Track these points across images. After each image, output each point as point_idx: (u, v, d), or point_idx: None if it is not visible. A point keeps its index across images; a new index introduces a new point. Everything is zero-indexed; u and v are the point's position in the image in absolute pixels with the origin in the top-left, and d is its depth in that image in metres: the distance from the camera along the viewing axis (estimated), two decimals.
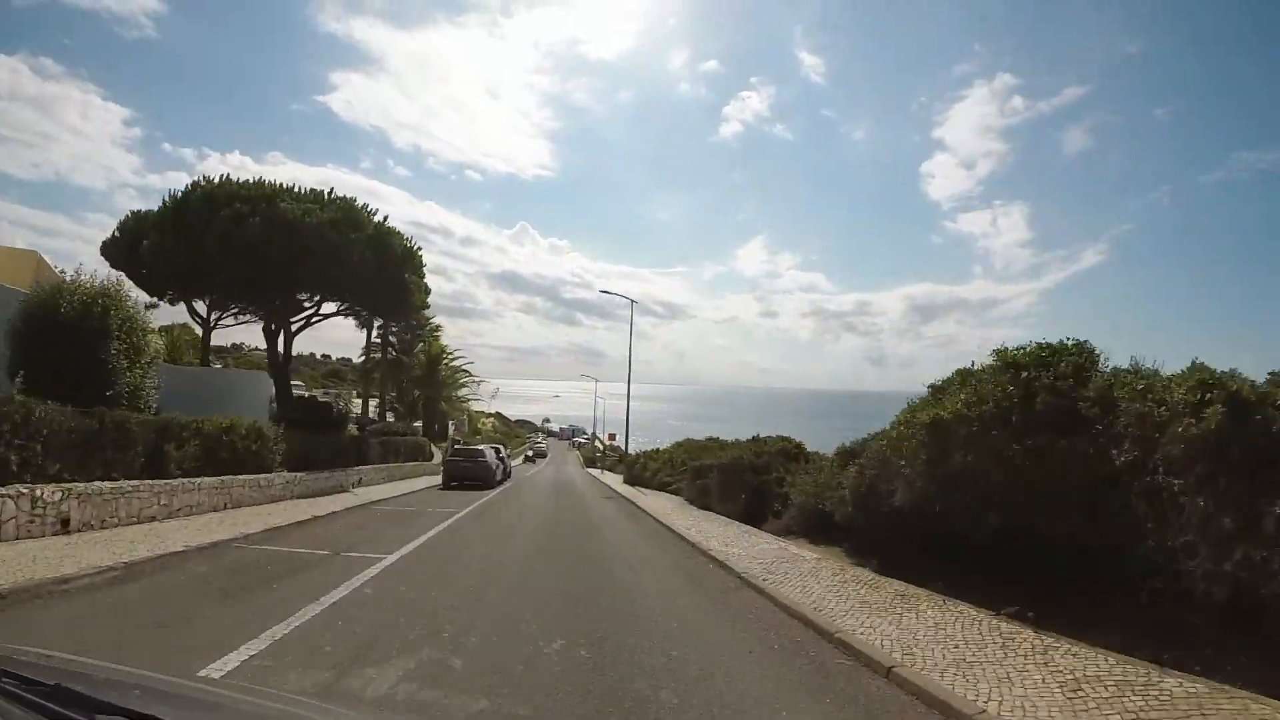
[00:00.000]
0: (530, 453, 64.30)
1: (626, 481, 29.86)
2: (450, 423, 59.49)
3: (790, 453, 15.57)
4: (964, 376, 7.70)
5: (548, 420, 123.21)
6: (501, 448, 31.89)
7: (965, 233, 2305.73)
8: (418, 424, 42.87)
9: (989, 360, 7.34)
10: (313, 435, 17.59)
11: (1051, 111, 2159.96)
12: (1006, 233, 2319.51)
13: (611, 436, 52.95)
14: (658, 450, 30.61)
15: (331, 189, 20.31)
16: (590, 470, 46.56)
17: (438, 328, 48.69)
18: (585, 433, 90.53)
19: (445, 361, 47.68)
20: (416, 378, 44.24)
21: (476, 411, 74.03)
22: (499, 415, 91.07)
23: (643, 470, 28.51)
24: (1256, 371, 5.01)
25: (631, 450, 37.32)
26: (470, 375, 53.53)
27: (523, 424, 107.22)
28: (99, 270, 12.47)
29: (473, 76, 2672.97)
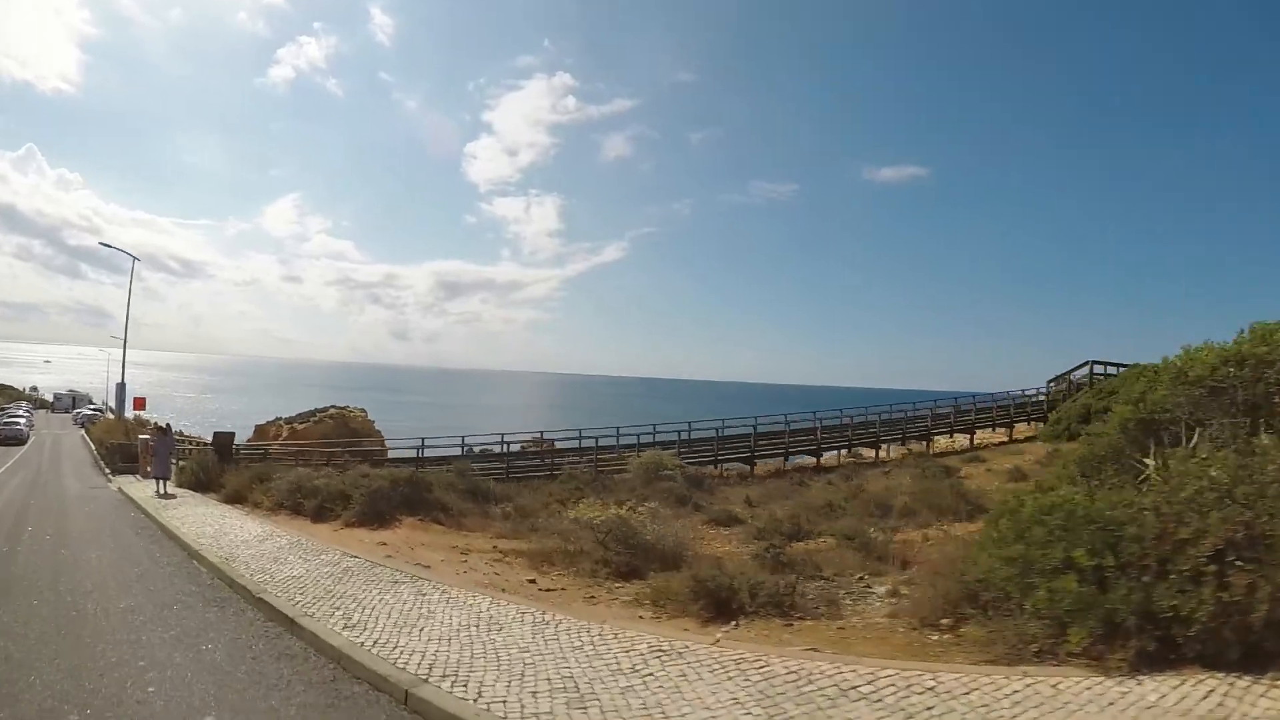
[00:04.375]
0: None
1: None
2: None
3: None
4: None
5: (35, 388, 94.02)
6: None
7: (499, 216, 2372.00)
8: None
9: None
10: None
11: (600, 117, 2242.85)
12: (538, 221, 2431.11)
13: (139, 403, 38.28)
14: None
15: None
16: (114, 486, 18.82)
17: None
18: (93, 403, 66.89)
19: None
20: None
21: None
22: None
23: None
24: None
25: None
26: None
27: (4, 390, 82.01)
28: None
29: None
